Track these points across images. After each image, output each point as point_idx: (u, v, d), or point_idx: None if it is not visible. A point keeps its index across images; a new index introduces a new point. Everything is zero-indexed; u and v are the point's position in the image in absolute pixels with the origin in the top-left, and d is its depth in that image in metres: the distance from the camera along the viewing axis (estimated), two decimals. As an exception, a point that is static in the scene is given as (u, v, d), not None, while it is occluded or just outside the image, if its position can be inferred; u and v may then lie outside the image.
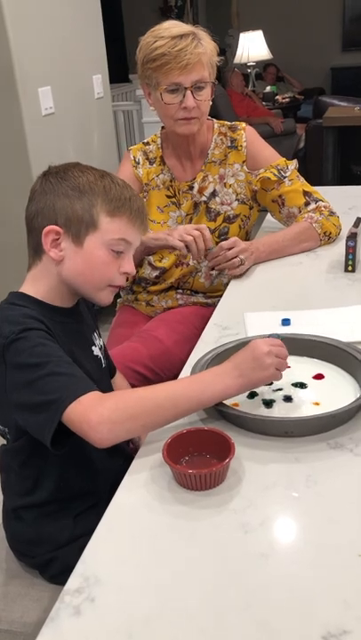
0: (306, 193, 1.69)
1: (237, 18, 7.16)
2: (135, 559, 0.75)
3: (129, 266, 1.04)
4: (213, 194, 1.68)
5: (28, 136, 2.49)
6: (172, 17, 6.95)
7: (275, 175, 1.66)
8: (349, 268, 1.53)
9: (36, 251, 1.02)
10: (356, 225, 1.58)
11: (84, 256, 1.00)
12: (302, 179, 1.72)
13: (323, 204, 1.70)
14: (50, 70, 2.64)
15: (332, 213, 1.70)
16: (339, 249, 1.58)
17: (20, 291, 1.03)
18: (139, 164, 1.71)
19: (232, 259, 1.52)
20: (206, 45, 1.52)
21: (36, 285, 1.03)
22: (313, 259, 1.63)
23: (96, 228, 0.99)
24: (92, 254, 1.00)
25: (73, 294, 1.06)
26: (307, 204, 1.68)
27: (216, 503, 0.82)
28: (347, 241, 1.52)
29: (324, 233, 1.67)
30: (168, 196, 1.69)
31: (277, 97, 6.14)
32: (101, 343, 1.16)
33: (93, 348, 1.12)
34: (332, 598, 0.67)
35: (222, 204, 1.69)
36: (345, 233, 1.56)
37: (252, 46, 6.20)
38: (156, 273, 1.71)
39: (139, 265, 1.72)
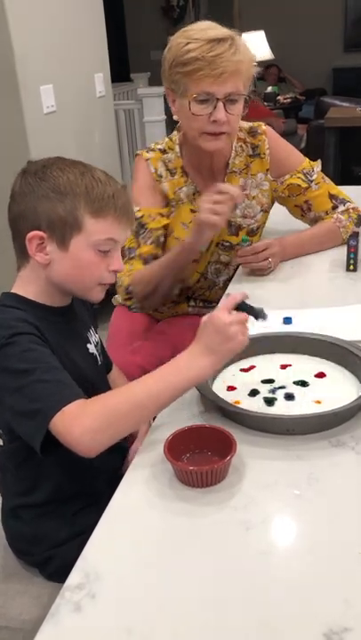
0: (332, 196, 1.64)
1: (239, 18, 7.16)
2: (136, 556, 0.75)
3: (118, 263, 1.02)
4: (234, 206, 1.56)
5: (30, 134, 2.48)
6: (174, 17, 6.96)
7: (303, 181, 1.60)
8: (351, 267, 1.53)
9: (22, 253, 1.00)
10: (357, 224, 1.58)
11: (71, 258, 0.98)
12: (328, 179, 1.65)
13: (351, 205, 1.64)
14: (52, 68, 2.64)
15: (358, 216, 1.64)
16: (340, 248, 1.58)
17: (12, 291, 1.02)
18: (162, 177, 1.54)
19: (262, 261, 1.48)
20: (245, 53, 1.36)
21: (27, 286, 1.01)
22: (315, 258, 1.63)
23: (81, 229, 0.97)
24: (79, 256, 0.98)
25: (65, 294, 1.05)
26: (334, 207, 1.63)
27: (217, 500, 0.82)
28: (348, 240, 1.51)
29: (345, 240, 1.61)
30: (192, 211, 1.54)
31: (279, 97, 6.14)
32: (97, 340, 1.16)
33: (89, 345, 1.11)
34: (334, 596, 0.67)
35: (245, 217, 1.59)
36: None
37: (254, 46, 6.16)
38: (177, 291, 1.63)
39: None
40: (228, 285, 1.65)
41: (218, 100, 1.36)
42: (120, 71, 4.58)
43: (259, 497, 0.82)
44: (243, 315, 0.96)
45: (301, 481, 0.84)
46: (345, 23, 7.17)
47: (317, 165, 1.64)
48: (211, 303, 1.70)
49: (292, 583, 0.69)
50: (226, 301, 0.96)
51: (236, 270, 1.65)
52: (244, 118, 1.51)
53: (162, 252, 1.54)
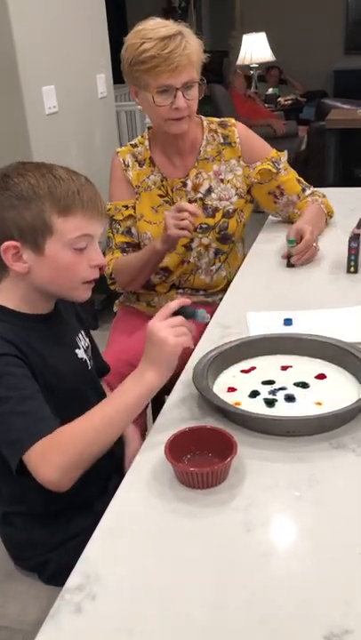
0: (298, 180, 1.79)
1: (241, 19, 7.17)
2: (136, 557, 0.75)
3: (98, 257, 1.01)
4: (209, 190, 1.68)
5: (32, 135, 2.49)
6: (175, 18, 6.96)
7: (272, 167, 1.71)
8: (352, 269, 1.53)
9: (0, 265, 0.99)
10: (359, 226, 1.58)
11: (49, 262, 0.97)
12: (291, 168, 1.78)
13: (314, 188, 1.81)
14: (54, 69, 2.64)
15: (323, 195, 1.81)
16: (341, 250, 1.58)
17: None
18: (128, 166, 1.70)
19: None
20: (193, 44, 1.51)
21: (9, 296, 1.00)
22: (316, 259, 1.63)
23: (52, 232, 0.95)
24: (57, 258, 0.97)
25: (49, 298, 1.04)
26: (303, 190, 1.79)
27: (218, 502, 0.82)
28: (349, 242, 1.51)
29: (328, 213, 1.80)
30: (160, 196, 1.68)
31: (280, 99, 6.15)
32: (87, 344, 1.15)
33: (77, 350, 1.10)
34: (335, 598, 0.67)
35: (220, 199, 1.69)
36: (348, 233, 1.56)
37: (255, 48, 6.19)
38: (159, 274, 1.71)
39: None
40: (210, 270, 1.71)
41: (177, 89, 1.51)
42: (122, 72, 4.58)
43: (259, 498, 0.82)
44: (174, 318, 0.97)
45: (302, 483, 0.84)
46: (346, 25, 7.18)
47: (284, 156, 1.77)
48: (198, 291, 1.75)
49: (293, 585, 0.69)
50: (160, 311, 0.98)
51: (217, 255, 1.70)
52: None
53: (134, 238, 1.69)
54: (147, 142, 1.71)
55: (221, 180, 1.69)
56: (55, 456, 0.87)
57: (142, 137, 1.73)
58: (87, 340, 1.15)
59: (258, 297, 1.46)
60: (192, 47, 1.51)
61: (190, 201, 1.68)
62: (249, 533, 0.76)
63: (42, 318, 1.03)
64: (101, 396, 1.02)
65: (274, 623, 0.65)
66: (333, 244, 1.69)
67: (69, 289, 1.02)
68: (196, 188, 1.68)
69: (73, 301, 1.09)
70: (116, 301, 1.86)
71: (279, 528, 0.80)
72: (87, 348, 1.14)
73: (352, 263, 1.52)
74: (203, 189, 1.68)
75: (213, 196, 1.68)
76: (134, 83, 1.56)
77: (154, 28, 1.52)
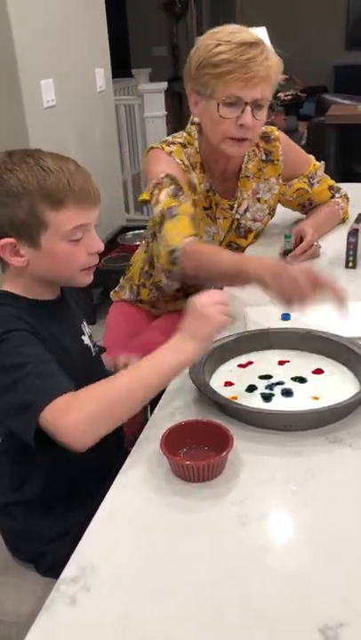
0: (330, 187, 1.74)
1: (241, 14, 7.14)
2: (131, 550, 0.75)
3: (96, 244, 1.00)
4: (246, 210, 1.60)
5: (30, 128, 2.48)
6: (176, 13, 6.93)
7: (307, 184, 1.68)
8: (350, 264, 1.52)
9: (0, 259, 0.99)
10: (357, 221, 1.58)
11: (47, 255, 0.97)
12: (325, 175, 1.74)
13: (343, 192, 1.77)
14: (52, 63, 2.63)
15: (347, 200, 1.78)
16: (339, 245, 1.58)
17: (4, 289, 1.01)
18: (189, 167, 1.50)
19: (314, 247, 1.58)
20: (273, 59, 1.35)
21: (15, 284, 1.01)
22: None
23: (46, 226, 0.94)
24: (53, 251, 0.97)
25: (51, 285, 1.05)
26: (332, 196, 1.75)
27: (213, 495, 0.82)
28: (348, 237, 1.51)
29: (343, 219, 1.77)
30: (205, 208, 1.55)
31: (280, 94, 6.12)
32: (89, 331, 1.15)
33: (83, 337, 1.11)
34: (330, 591, 0.67)
35: (254, 220, 1.62)
36: (347, 228, 1.55)
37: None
38: (176, 286, 1.58)
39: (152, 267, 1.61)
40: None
41: (246, 104, 1.34)
42: (121, 67, 4.56)
43: (255, 492, 0.82)
44: (218, 294, 0.97)
45: (298, 477, 0.84)
46: (347, 21, 7.15)
47: (320, 169, 1.72)
48: None
49: (289, 578, 0.69)
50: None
51: None
52: None
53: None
54: (197, 143, 1.51)
55: (258, 200, 1.60)
56: (82, 405, 0.85)
57: (189, 135, 1.52)
58: (88, 327, 1.16)
59: (256, 292, 1.45)
60: (273, 61, 1.35)
61: (232, 221, 1.59)
62: (244, 527, 0.76)
63: (49, 304, 1.04)
64: None
65: (269, 616, 0.65)
66: (332, 240, 1.69)
67: (69, 277, 1.02)
68: (237, 209, 1.59)
69: (73, 289, 1.09)
70: (112, 292, 1.80)
71: (275, 522, 0.80)
72: (90, 335, 1.14)
73: (350, 258, 1.52)
74: (241, 209, 1.59)
75: (248, 215, 1.60)
76: (197, 89, 1.39)
77: (233, 32, 1.34)
